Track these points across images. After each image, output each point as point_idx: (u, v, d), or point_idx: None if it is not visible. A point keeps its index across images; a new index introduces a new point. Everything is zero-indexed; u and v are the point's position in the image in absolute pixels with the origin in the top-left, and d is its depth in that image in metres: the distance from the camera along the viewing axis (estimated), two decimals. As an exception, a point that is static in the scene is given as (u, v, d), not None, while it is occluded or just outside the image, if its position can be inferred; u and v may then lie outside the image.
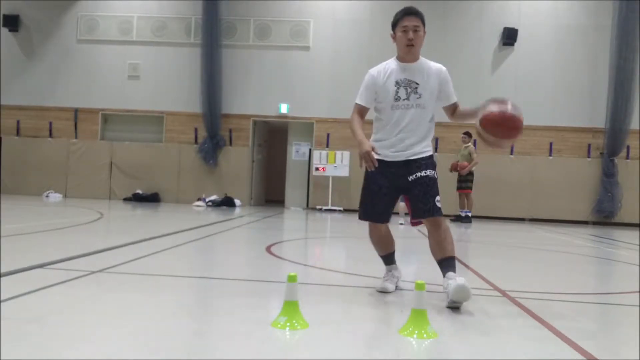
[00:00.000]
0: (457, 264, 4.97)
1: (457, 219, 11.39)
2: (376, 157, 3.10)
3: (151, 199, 13.55)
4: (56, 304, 2.73)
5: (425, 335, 2.37)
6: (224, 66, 13.85)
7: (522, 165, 13.40)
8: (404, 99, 3.20)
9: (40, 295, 2.88)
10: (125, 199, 13.55)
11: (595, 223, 13.22)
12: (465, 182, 11.29)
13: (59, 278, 3.32)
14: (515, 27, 13.50)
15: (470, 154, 11.19)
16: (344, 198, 13.41)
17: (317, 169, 13.29)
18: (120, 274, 3.74)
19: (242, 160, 14.08)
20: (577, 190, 13.28)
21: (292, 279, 2.49)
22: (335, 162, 13.19)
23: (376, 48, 13.90)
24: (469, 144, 11.38)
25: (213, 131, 13.76)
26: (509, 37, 13.46)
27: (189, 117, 14.12)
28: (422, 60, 3.27)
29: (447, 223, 3.13)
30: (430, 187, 3.15)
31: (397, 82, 3.22)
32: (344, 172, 13.14)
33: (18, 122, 14.36)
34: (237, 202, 13.32)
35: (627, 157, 13.28)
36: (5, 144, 14.24)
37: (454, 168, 11.25)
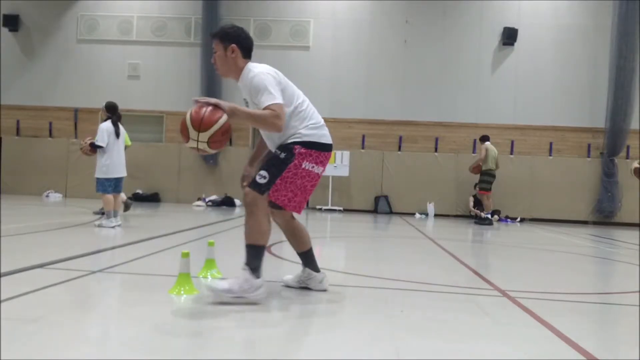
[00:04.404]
0: (453, 262, 4.94)
1: (477, 220, 11.46)
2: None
3: (151, 198, 13.55)
4: (56, 304, 2.73)
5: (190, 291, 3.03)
6: (224, 66, 13.84)
7: (522, 165, 13.40)
8: None
9: (40, 295, 2.88)
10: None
11: (595, 223, 13.22)
12: (480, 182, 11.45)
13: (59, 278, 3.32)
14: (515, 27, 13.50)
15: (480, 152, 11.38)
16: (344, 198, 13.41)
17: (317, 168, 13.27)
18: (120, 274, 3.73)
19: (242, 160, 14.03)
20: (577, 190, 13.28)
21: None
22: (335, 162, 13.18)
23: (376, 48, 13.93)
24: (484, 143, 11.43)
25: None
26: (509, 37, 13.46)
27: (189, 117, 14.10)
28: (244, 72, 3.08)
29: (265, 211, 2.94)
30: (265, 161, 3.10)
31: (244, 101, 3.21)
32: (343, 172, 13.13)
33: (18, 122, 14.36)
34: (237, 202, 13.31)
35: (627, 157, 13.28)
36: (5, 144, 14.24)
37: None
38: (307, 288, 3.38)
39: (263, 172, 2.97)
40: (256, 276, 2.90)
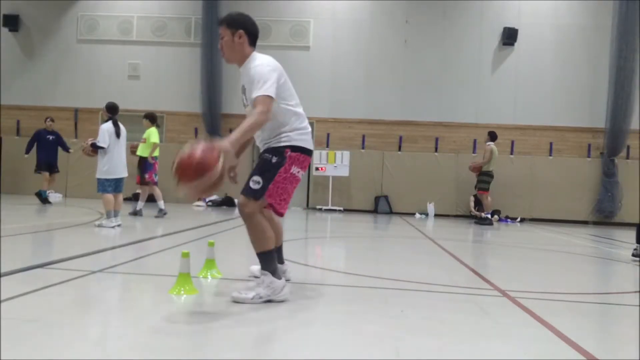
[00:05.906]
0: (453, 262, 4.95)
1: (477, 220, 11.45)
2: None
3: (151, 198, 13.52)
4: (56, 304, 2.73)
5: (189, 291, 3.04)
6: (224, 66, 13.83)
7: (522, 165, 13.40)
8: (245, 105, 3.23)
9: (40, 295, 2.88)
10: (125, 199, 13.53)
11: (595, 223, 13.21)
12: (479, 182, 11.44)
13: (59, 278, 3.32)
14: (515, 27, 13.50)
15: (485, 153, 11.36)
16: (344, 198, 13.41)
17: (317, 169, 13.28)
18: (120, 274, 3.73)
19: (243, 160, 14.00)
20: (577, 190, 13.28)
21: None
22: (335, 162, 13.18)
23: (376, 48, 13.93)
24: (488, 143, 11.41)
25: (213, 131, 13.76)
26: (509, 37, 13.46)
27: (189, 117, 14.12)
28: (249, 59, 3.11)
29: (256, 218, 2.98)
30: (257, 166, 3.12)
31: (242, 87, 3.22)
32: (344, 172, 13.13)
33: (18, 122, 14.36)
34: (238, 202, 13.32)
35: (627, 157, 13.27)
36: (5, 144, 14.23)
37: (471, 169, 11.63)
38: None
39: (257, 178, 3.02)
40: (277, 278, 3.01)
